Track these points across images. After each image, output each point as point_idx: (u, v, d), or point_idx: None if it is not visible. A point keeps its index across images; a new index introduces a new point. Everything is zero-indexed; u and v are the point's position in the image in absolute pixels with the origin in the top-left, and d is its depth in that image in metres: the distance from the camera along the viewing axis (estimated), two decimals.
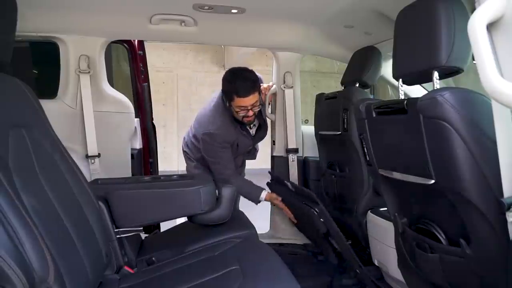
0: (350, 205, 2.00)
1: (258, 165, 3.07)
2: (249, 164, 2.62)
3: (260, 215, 2.61)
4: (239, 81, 1.99)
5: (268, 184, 2.46)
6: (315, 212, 1.70)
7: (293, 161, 2.54)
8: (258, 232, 1.75)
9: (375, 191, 1.91)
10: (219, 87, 2.19)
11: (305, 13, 1.91)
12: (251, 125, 2.29)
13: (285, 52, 2.45)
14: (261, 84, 2.43)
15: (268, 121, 2.68)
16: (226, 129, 2.12)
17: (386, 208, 1.51)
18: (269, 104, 2.61)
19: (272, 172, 2.51)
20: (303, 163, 2.51)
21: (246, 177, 2.51)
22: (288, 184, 2.03)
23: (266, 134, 2.47)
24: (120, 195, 1.48)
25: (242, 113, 2.05)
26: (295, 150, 2.54)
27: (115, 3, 1.80)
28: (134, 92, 2.56)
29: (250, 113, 2.05)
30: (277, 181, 2.38)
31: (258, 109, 2.10)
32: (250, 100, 2.01)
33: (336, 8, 1.77)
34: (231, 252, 1.39)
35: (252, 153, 2.47)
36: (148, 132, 2.56)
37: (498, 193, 0.96)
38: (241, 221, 1.82)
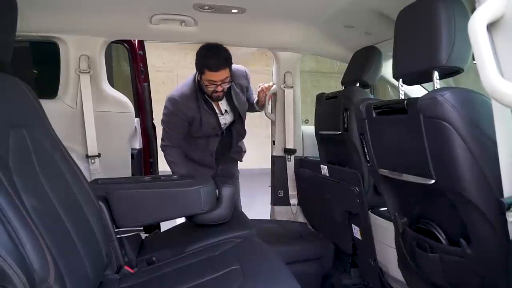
0: None
1: (259, 165, 3.07)
2: (250, 164, 2.62)
3: (260, 215, 2.61)
4: (212, 56, 2.02)
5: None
6: (356, 191, 1.69)
7: (289, 161, 2.54)
8: None
9: (375, 191, 1.91)
10: None
11: (305, 13, 1.91)
12: (223, 111, 2.27)
13: (285, 52, 2.45)
14: (260, 85, 2.44)
15: (268, 121, 2.69)
16: (187, 99, 2.16)
17: (386, 208, 1.51)
18: (268, 102, 2.62)
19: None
20: (300, 163, 2.50)
21: (247, 177, 2.51)
22: (325, 166, 2.01)
23: (244, 131, 2.44)
24: (120, 195, 1.48)
25: (211, 88, 2.08)
26: (293, 151, 2.54)
27: (115, 3, 1.80)
28: (134, 92, 2.57)
29: (219, 88, 2.07)
30: (308, 162, 2.38)
31: (228, 86, 2.12)
32: (220, 75, 2.02)
33: (336, 8, 1.77)
34: (231, 252, 1.39)
35: (233, 151, 2.43)
36: (148, 132, 2.56)
37: (498, 193, 0.96)
38: (241, 221, 1.82)
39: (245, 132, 2.46)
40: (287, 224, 2.45)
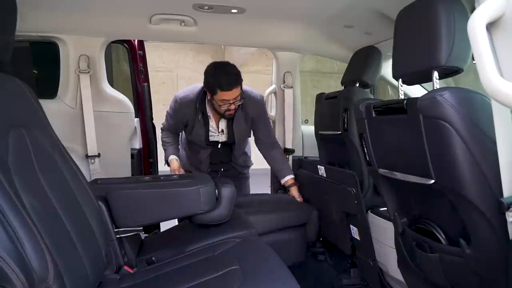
0: None
1: (260, 165, 3.07)
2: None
3: None
4: (223, 75, 2.00)
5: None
6: (352, 192, 1.70)
7: (288, 161, 2.54)
8: None
9: (375, 191, 1.91)
10: None
11: (305, 13, 1.91)
12: (219, 130, 2.24)
13: (285, 52, 2.45)
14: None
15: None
16: (186, 104, 2.17)
17: (385, 208, 1.51)
18: (268, 102, 2.62)
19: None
20: (299, 163, 2.50)
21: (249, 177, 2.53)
22: (322, 167, 2.01)
23: (245, 152, 2.40)
24: (120, 195, 1.48)
25: (224, 107, 2.05)
26: (292, 151, 2.54)
27: (115, 3, 1.80)
28: (134, 92, 2.56)
29: (232, 106, 2.05)
30: (307, 163, 2.38)
31: (240, 103, 2.10)
32: (233, 93, 2.01)
33: (336, 8, 1.77)
34: (231, 252, 1.39)
35: (234, 164, 2.39)
36: (148, 132, 2.56)
37: (498, 193, 0.96)
38: (241, 221, 1.82)
39: (245, 153, 2.43)
40: (273, 195, 2.51)
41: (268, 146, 2.32)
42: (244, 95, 2.11)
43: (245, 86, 2.18)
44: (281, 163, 2.32)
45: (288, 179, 2.27)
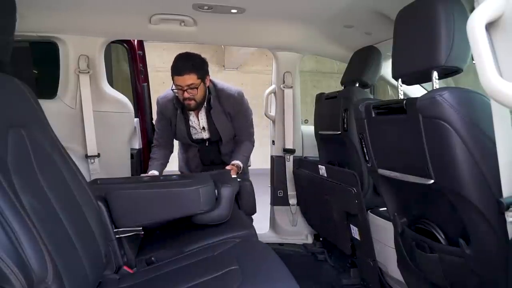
0: None
1: (259, 165, 3.07)
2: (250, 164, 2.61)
3: (260, 215, 2.61)
4: (180, 60, 2.04)
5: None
6: (353, 191, 1.69)
7: (288, 161, 2.54)
8: (258, 232, 1.74)
9: (374, 191, 1.91)
10: None
11: (305, 13, 1.91)
12: (201, 127, 2.25)
13: (285, 52, 2.45)
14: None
15: (268, 121, 2.69)
16: (167, 101, 2.24)
17: (385, 208, 1.51)
18: (268, 102, 2.62)
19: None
20: (299, 163, 2.50)
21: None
22: (323, 167, 2.00)
23: (226, 151, 2.36)
24: (119, 195, 1.48)
25: (179, 94, 2.08)
26: (292, 151, 2.54)
27: (115, 3, 1.80)
28: (133, 92, 2.57)
29: (186, 95, 2.05)
30: (307, 163, 2.36)
31: (199, 96, 2.09)
32: (184, 80, 2.01)
33: (336, 8, 1.77)
34: (231, 252, 1.38)
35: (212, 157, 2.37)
36: (148, 132, 2.56)
37: (497, 193, 0.96)
38: (241, 221, 1.82)
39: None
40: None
41: (241, 141, 2.34)
42: (218, 90, 2.16)
43: (223, 82, 2.25)
44: (240, 152, 2.30)
45: (234, 162, 2.23)
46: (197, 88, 2.06)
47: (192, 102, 2.10)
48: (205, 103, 2.19)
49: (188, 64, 2.02)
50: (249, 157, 2.38)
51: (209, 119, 2.23)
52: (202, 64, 2.08)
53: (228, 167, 2.19)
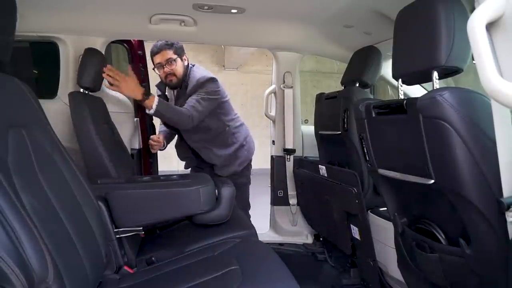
0: None
1: (259, 165, 3.08)
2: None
3: (260, 215, 2.61)
4: (156, 43, 2.26)
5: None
6: (354, 191, 1.70)
7: (288, 161, 2.54)
8: (258, 232, 1.75)
9: (374, 191, 1.91)
10: None
11: (305, 13, 1.91)
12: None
13: (285, 52, 2.45)
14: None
15: (268, 121, 2.69)
16: (160, 85, 2.46)
17: (385, 208, 1.51)
18: (268, 102, 2.62)
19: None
20: (299, 163, 2.51)
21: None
22: (323, 167, 2.00)
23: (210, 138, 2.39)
24: (119, 195, 1.48)
25: (160, 72, 2.27)
26: (292, 151, 2.54)
27: (115, 3, 1.80)
28: None
29: (166, 69, 2.24)
30: (307, 163, 2.36)
31: (178, 70, 2.25)
32: (162, 56, 2.22)
33: (336, 8, 1.77)
34: (231, 252, 1.39)
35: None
36: (148, 132, 2.56)
37: (498, 193, 0.96)
38: (241, 221, 1.82)
39: (209, 149, 2.39)
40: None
41: None
42: (192, 73, 2.29)
43: (201, 69, 2.35)
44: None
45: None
46: (175, 62, 2.23)
47: (174, 78, 2.27)
48: None
49: (163, 44, 2.22)
50: (174, 115, 2.17)
51: (176, 99, 2.36)
52: (175, 44, 2.25)
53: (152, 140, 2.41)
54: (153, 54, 2.25)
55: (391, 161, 1.37)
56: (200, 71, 2.32)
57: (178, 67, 2.26)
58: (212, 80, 2.28)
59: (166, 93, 2.43)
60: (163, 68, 2.24)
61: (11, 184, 0.86)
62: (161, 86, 2.43)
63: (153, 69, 2.29)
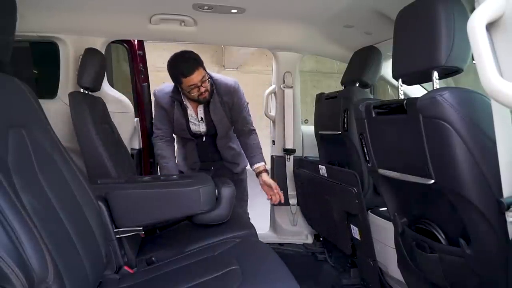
0: None
1: None
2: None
3: (260, 215, 2.61)
4: (182, 62, 2.07)
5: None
6: (354, 191, 1.70)
7: (288, 161, 2.54)
8: (258, 232, 1.75)
9: (375, 191, 1.91)
10: None
11: (305, 13, 1.91)
12: (199, 119, 2.26)
13: (285, 52, 2.45)
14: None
15: (268, 121, 2.69)
16: (164, 93, 2.25)
17: (385, 208, 1.51)
18: (268, 102, 2.62)
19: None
20: (299, 163, 2.50)
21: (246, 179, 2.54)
22: (323, 167, 2.00)
23: (230, 147, 2.39)
24: (119, 195, 1.48)
25: (194, 92, 2.09)
26: (292, 151, 2.54)
27: (115, 3, 1.80)
28: (133, 92, 2.56)
29: (202, 89, 2.09)
30: (307, 163, 2.36)
31: (209, 85, 2.13)
32: (197, 76, 2.05)
33: (336, 8, 1.77)
34: (231, 252, 1.39)
35: (225, 162, 2.40)
36: (148, 132, 2.56)
37: (498, 193, 0.96)
38: (241, 221, 1.82)
39: (233, 148, 2.41)
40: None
41: (244, 133, 2.33)
42: (216, 82, 2.18)
43: (218, 74, 2.26)
44: (254, 150, 2.30)
45: (259, 165, 2.27)
46: (207, 79, 2.11)
47: (207, 93, 2.14)
48: None
49: (192, 62, 2.06)
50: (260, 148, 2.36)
51: (206, 110, 2.24)
52: (198, 56, 2.13)
53: (262, 176, 2.24)
54: (184, 76, 2.05)
55: (391, 161, 1.37)
56: (217, 75, 2.27)
57: (209, 81, 2.14)
58: (236, 83, 2.29)
59: (185, 102, 2.24)
60: (199, 88, 2.08)
61: (11, 184, 0.86)
62: (176, 95, 2.22)
63: (187, 92, 2.10)
